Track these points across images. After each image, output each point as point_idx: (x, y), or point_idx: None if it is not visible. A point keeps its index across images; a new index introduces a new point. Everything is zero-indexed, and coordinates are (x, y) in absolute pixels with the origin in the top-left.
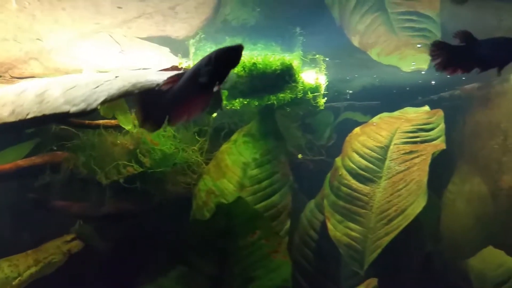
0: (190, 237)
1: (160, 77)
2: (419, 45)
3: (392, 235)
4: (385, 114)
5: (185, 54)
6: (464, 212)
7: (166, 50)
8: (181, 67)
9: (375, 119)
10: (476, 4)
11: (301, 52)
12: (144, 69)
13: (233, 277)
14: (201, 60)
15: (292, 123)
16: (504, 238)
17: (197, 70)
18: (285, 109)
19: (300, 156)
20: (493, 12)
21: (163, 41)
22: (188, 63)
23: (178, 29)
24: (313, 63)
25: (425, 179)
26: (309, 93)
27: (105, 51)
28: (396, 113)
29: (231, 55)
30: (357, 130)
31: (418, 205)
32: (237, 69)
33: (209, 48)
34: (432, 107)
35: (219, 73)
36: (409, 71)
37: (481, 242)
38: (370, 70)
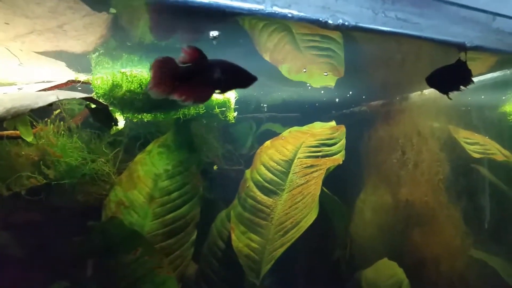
0: (70, 254)
1: (36, 101)
2: (325, 74)
3: (286, 247)
4: (295, 128)
5: (86, 69)
6: (370, 221)
7: (62, 64)
8: (79, 81)
9: (285, 133)
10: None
11: None
12: (42, 82)
13: None
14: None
15: (210, 133)
16: (401, 248)
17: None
18: (201, 120)
19: (215, 167)
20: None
21: (61, 55)
22: (88, 77)
23: (73, 45)
24: None
25: (318, 192)
26: (216, 108)
27: (3, 64)
28: (305, 127)
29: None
30: (267, 143)
31: (310, 217)
32: (133, 86)
33: (107, 64)
34: (343, 121)
35: (232, 84)
36: (319, 87)
37: (382, 251)
38: (290, 84)
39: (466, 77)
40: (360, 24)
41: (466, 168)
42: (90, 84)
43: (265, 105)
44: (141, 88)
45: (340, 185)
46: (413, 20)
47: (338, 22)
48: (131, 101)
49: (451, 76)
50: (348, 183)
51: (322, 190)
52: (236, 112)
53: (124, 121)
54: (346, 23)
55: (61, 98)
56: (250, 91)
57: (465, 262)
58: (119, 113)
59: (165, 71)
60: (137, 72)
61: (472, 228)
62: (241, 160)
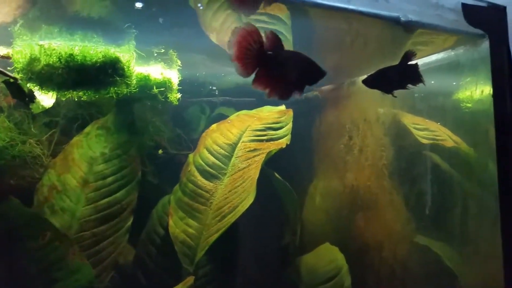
0: None
1: None
2: None
3: (221, 232)
4: (243, 111)
5: (6, 42)
6: (319, 207)
7: None
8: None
9: (233, 116)
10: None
11: (133, 45)
12: None
13: (32, 278)
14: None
15: (157, 116)
16: (347, 233)
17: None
18: (145, 102)
19: (160, 151)
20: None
21: None
22: (8, 50)
23: None
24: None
25: (257, 176)
26: (154, 88)
27: None
28: (254, 111)
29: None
30: (213, 126)
31: (247, 201)
32: (52, 60)
33: (26, 36)
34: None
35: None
36: None
37: (329, 236)
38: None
39: (414, 77)
40: None
41: (411, 153)
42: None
43: (214, 89)
44: (60, 62)
45: (292, 171)
46: None
47: None
48: (49, 76)
49: (397, 75)
50: (301, 169)
51: (274, 176)
52: (181, 94)
53: (54, 100)
54: None
55: None
56: (195, 72)
57: (406, 249)
58: (39, 88)
59: (250, 46)
60: (56, 45)
61: (414, 213)
62: (191, 145)
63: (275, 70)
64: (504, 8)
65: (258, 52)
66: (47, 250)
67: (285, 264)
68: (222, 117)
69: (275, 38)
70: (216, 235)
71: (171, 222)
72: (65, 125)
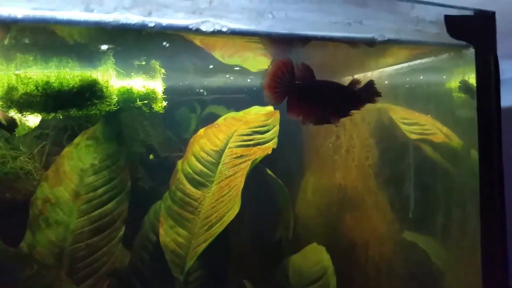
0: None
1: None
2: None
3: (208, 242)
4: (230, 114)
5: None
6: (311, 201)
7: None
8: None
9: (220, 120)
10: None
11: (112, 63)
12: None
13: None
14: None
15: (147, 120)
16: (335, 230)
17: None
18: (133, 108)
19: (151, 156)
20: None
21: None
22: None
23: None
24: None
25: (242, 186)
26: (138, 100)
27: None
28: (241, 113)
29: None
30: (201, 131)
31: (233, 212)
32: (29, 88)
33: (2, 66)
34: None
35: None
36: (256, 71)
37: (320, 232)
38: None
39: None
40: (241, 28)
41: (398, 151)
42: None
43: (202, 91)
44: (38, 90)
45: (283, 166)
46: (308, 18)
47: (214, 28)
48: (29, 104)
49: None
50: (291, 164)
51: (266, 171)
52: (166, 102)
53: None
54: (224, 29)
55: None
56: (182, 79)
57: (392, 248)
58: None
59: (283, 77)
60: (32, 74)
61: (400, 214)
62: (182, 146)
63: (306, 98)
64: (493, 14)
65: (288, 83)
66: (34, 279)
67: (277, 261)
68: (215, 115)
69: (306, 69)
70: (204, 245)
71: (161, 231)
72: (56, 136)
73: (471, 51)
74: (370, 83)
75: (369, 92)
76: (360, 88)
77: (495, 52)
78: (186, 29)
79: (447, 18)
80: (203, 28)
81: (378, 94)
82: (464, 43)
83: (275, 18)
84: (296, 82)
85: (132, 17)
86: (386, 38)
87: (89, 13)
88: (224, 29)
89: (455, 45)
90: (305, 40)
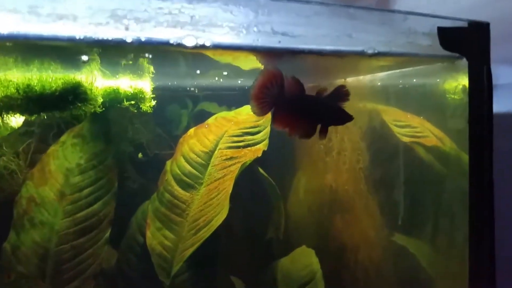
0: None
1: None
2: None
3: (195, 246)
4: (221, 114)
5: None
6: (303, 200)
7: None
8: None
9: (211, 119)
10: None
11: (97, 63)
12: None
13: None
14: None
15: (137, 118)
16: (323, 232)
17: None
18: (121, 106)
19: (140, 155)
20: None
21: None
22: None
23: None
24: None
25: (230, 189)
26: (124, 101)
27: None
28: (232, 113)
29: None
30: (191, 131)
31: (221, 216)
32: (10, 91)
33: None
34: None
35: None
36: (248, 69)
37: (311, 233)
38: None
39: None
40: (225, 42)
41: (390, 154)
42: None
43: (193, 88)
44: (19, 93)
45: (276, 164)
46: (296, 31)
47: (196, 43)
48: (10, 106)
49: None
50: (284, 163)
51: (258, 171)
52: (155, 101)
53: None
54: (208, 43)
55: None
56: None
57: (382, 252)
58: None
59: (271, 88)
60: (12, 76)
61: (390, 217)
62: (172, 144)
63: (294, 111)
64: (488, 25)
65: (276, 95)
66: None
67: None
68: (204, 113)
69: (296, 83)
70: (191, 249)
71: (148, 234)
72: (42, 133)
73: (465, 61)
74: (338, 88)
75: (339, 96)
76: (329, 94)
77: (489, 63)
78: (167, 43)
79: (441, 30)
80: (185, 42)
81: (347, 93)
82: (457, 54)
83: (260, 32)
84: (284, 95)
85: (109, 33)
86: (376, 51)
87: (62, 27)
88: (208, 43)
89: (448, 56)
90: (292, 53)
